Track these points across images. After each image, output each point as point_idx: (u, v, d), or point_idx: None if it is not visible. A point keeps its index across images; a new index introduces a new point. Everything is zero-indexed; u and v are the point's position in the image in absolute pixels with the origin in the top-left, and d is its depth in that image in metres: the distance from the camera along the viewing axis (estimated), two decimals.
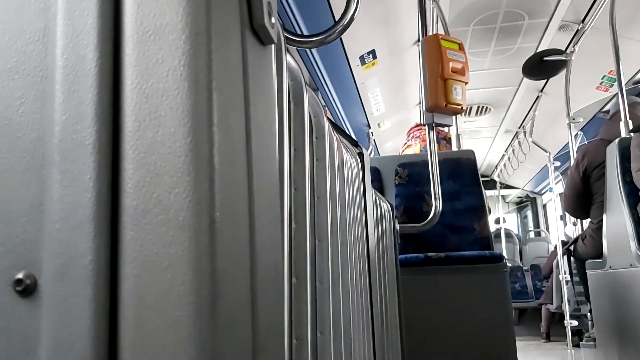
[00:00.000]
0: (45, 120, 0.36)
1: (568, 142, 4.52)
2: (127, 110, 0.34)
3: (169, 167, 0.33)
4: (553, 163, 5.21)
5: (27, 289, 0.34)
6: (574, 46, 4.30)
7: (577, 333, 4.95)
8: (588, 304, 3.70)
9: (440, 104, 2.30)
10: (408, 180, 3.19)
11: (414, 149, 4.58)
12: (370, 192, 1.39)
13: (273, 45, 0.49)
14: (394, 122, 6.10)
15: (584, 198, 3.48)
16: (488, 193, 8.45)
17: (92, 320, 0.32)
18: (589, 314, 4.03)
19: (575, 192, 3.49)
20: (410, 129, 4.89)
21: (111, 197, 0.34)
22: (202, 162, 0.33)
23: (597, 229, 3.30)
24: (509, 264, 5.88)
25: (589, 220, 3.57)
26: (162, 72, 0.34)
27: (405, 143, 4.87)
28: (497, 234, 8.54)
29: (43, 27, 0.37)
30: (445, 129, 4.08)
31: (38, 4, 0.37)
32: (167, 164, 0.33)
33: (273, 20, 0.46)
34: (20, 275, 0.34)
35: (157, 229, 0.33)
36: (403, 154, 4.82)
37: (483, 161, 8.90)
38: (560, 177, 7.02)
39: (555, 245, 6.12)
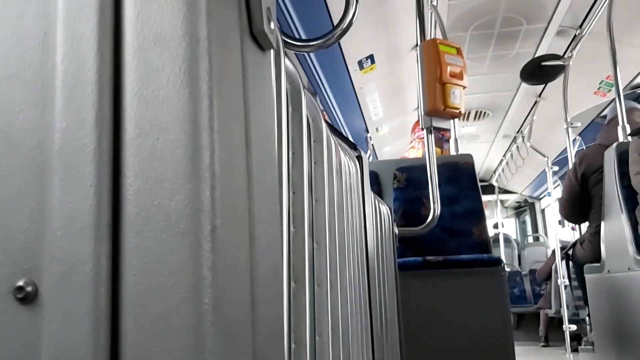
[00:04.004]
0: (46, 127, 0.35)
1: (566, 147, 4.53)
2: (127, 117, 0.34)
3: (169, 174, 0.33)
4: (551, 168, 5.21)
5: (27, 296, 0.34)
6: (571, 51, 4.31)
7: (576, 338, 4.95)
8: (586, 308, 3.70)
9: (438, 107, 2.30)
10: (407, 184, 3.19)
11: (418, 152, 4.59)
12: (369, 195, 1.39)
13: (272, 50, 0.49)
14: (392, 127, 6.11)
15: (581, 203, 3.48)
16: (486, 198, 8.46)
17: (93, 327, 0.32)
18: (587, 318, 4.03)
19: (572, 196, 3.50)
20: (415, 126, 4.90)
21: (112, 204, 0.34)
22: (202, 168, 0.33)
23: (595, 233, 3.30)
24: (507, 269, 5.88)
25: (587, 224, 3.57)
26: (163, 79, 0.34)
27: (411, 142, 4.88)
28: (496, 239, 8.54)
29: (43, 33, 0.37)
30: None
31: (38, 10, 0.37)
32: (168, 171, 0.33)
33: (272, 25, 0.46)
34: (20, 283, 0.34)
35: (158, 236, 0.33)
36: (408, 152, 4.84)
37: (481, 166, 8.90)
38: (559, 181, 7.02)
39: (553, 250, 6.13)
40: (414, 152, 4.70)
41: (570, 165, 3.85)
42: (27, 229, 0.35)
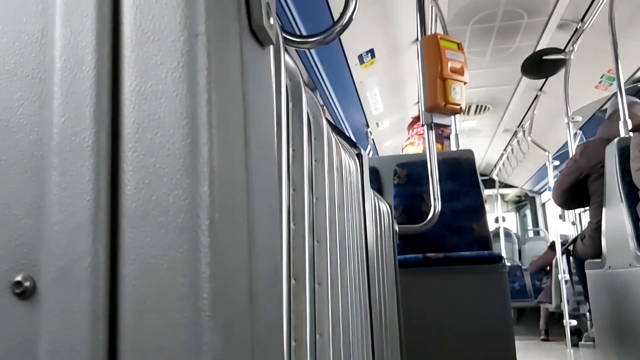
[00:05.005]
0: (44, 122, 0.35)
1: (567, 141, 4.52)
2: (126, 112, 0.34)
3: (168, 169, 0.33)
4: (552, 162, 5.21)
5: (25, 292, 0.34)
6: (572, 45, 4.30)
7: (576, 333, 4.95)
8: (587, 303, 3.70)
9: (439, 104, 2.30)
10: (407, 180, 3.19)
11: (417, 149, 4.58)
12: (368, 193, 1.39)
13: (272, 46, 0.49)
14: (392, 121, 6.10)
15: (571, 193, 3.49)
16: (487, 192, 8.46)
17: (91, 322, 0.32)
18: (588, 313, 4.03)
19: (564, 186, 3.51)
20: (412, 123, 4.88)
21: (110, 199, 0.34)
22: (201, 164, 0.33)
23: (596, 228, 3.30)
24: (508, 264, 5.87)
25: (587, 219, 3.57)
26: (161, 74, 0.34)
27: (408, 139, 4.86)
28: (496, 233, 8.54)
29: (41, 28, 0.37)
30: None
31: (36, 6, 0.37)
32: (166, 166, 0.33)
33: (272, 21, 0.46)
34: (19, 278, 0.34)
35: (156, 231, 0.33)
36: (405, 149, 4.83)
37: (482, 160, 8.91)
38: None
39: (550, 244, 6.12)
40: (413, 149, 4.69)
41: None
42: (25, 224, 0.35)
